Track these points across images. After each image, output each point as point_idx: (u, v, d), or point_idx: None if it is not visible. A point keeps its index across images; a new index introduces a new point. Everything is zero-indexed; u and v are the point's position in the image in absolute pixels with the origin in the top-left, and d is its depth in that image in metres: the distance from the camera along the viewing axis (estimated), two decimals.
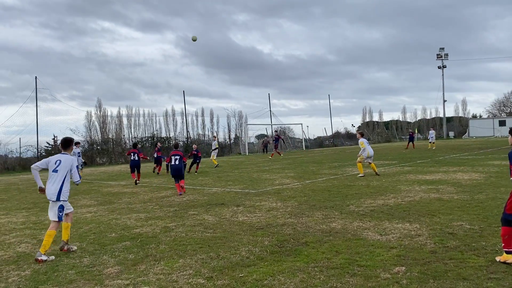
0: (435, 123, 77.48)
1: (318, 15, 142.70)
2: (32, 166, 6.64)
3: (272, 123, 51.17)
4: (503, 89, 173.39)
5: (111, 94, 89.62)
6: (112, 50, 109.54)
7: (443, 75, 68.26)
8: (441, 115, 73.78)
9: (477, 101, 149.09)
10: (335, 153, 35.62)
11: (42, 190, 6.61)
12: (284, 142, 34.66)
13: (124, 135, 47.82)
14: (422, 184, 12.14)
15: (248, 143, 47.01)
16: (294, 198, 10.80)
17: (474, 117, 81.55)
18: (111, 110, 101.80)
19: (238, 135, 54.48)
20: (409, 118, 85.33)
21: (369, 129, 76.32)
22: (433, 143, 34.91)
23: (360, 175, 15.10)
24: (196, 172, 20.74)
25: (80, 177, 7.09)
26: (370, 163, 15.54)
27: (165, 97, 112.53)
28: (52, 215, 6.47)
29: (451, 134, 70.71)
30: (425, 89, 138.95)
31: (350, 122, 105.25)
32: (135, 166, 17.01)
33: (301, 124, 53.41)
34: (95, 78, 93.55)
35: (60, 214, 6.47)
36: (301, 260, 5.44)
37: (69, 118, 61.28)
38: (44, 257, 6.07)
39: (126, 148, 42.58)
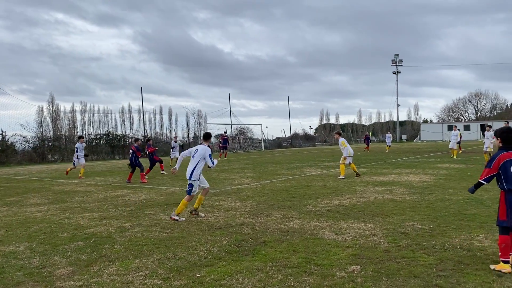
0: (389, 126, 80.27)
1: (279, 16, 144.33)
2: (181, 153, 8.86)
3: (232, 123, 51.14)
4: (453, 95, 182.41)
5: (64, 89, 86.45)
6: (66, 43, 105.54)
7: (397, 80, 70.84)
8: (395, 119, 76.53)
9: (428, 106, 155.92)
10: (293, 154, 36.09)
11: (174, 172, 8.91)
12: (228, 145, 34.65)
13: (77, 132, 46.24)
14: (376, 185, 12.52)
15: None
16: (253, 198, 10.84)
17: (425, 121, 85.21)
18: (64, 106, 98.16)
19: (197, 134, 54.03)
20: (364, 121, 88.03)
21: (326, 131, 77.97)
22: (389, 146, 36.08)
23: (340, 177, 14.74)
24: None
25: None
26: (350, 163, 15.29)
27: (121, 93, 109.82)
28: (200, 185, 8.41)
29: (404, 137, 73.48)
30: (380, 93, 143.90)
31: (308, 124, 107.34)
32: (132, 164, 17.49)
33: (261, 124, 53.76)
34: (48, 72, 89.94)
35: (188, 189, 8.32)
36: (259, 260, 5.46)
37: (19, 113, 58.61)
38: (176, 217, 8.10)
39: None
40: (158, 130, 54.04)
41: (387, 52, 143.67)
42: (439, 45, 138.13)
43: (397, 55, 69.46)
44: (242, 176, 16.66)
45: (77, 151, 18.70)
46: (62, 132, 44.75)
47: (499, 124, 62.31)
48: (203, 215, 8.48)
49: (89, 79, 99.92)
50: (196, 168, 8.29)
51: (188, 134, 53.29)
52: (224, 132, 35.03)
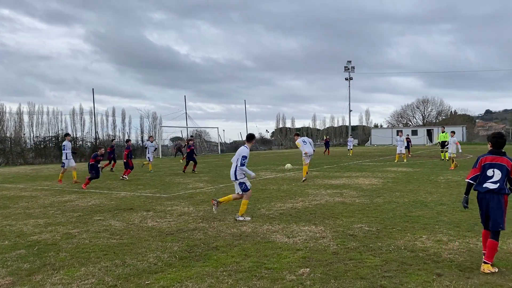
0: (342, 131, 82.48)
1: (236, 20, 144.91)
2: (232, 160, 8.78)
3: (188, 126, 50.62)
4: (402, 101, 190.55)
5: (10, 88, 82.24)
6: (13, 40, 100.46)
7: (349, 86, 72.90)
8: (347, 123, 78.64)
9: (379, 111, 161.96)
10: (250, 157, 36.18)
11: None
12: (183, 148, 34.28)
13: (24, 134, 44.12)
14: (328, 188, 12.82)
15: (162, 146, 45.93)
16: (207, 202, 10.77)
17: (376, 126, 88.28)
18: (10, 106, 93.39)
19: (152, 136, 52.94)
20: (319, 125, 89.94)
21: (282, 135, 78.90)
22: (351, 149, 36.90)
23: (303, 178, 15.04)
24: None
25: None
26: (306, 163, 15.26)
27: (72, 94, 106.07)
28: (238, 190, 8.56)
29: (355, 142, 75.68)
30: (334, 99, 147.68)
31: (264, 128, 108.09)
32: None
33: (217, 128, 53.65)
34: None
35: (243, 188, 8.46)
36: (210, 265, 5.43)
37: None
38: (241, 218, 8.28)
39: (26, 148, 39.30)
40: (110, 132, 52.52)
41: (341, 58, 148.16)
42: (390, 53, 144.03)
43: (349, 61, 71.50)
44: (197, 180, 16.52)
45: (64, 149, 17.06)
46: (7, 134, 42.50)
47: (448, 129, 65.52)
48: (215, 212, 8.66)
49: (38, 78, 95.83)
50: (236, 168, 8.48)
51: (142, 137, 52.12)
52: (191, 136, 34.48)
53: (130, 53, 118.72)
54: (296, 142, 15.69)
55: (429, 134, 65.74)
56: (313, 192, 12.07)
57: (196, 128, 54.06)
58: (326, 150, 37.90)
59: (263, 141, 69.81)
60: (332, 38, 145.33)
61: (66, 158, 17.08)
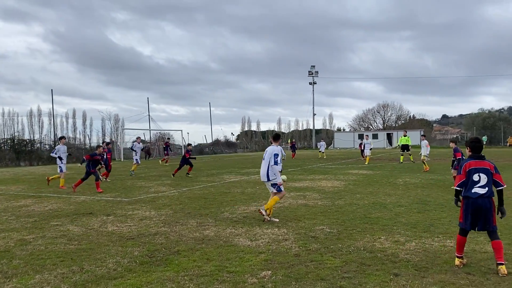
0: (306, 134, 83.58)
1: (201, 22, 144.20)
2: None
3: (151, 129, 49.80)
4: (363, 106, 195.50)
5: None
6: None
7: (313, 90, 74.01)
8: (311, 127, 79.77)
9: (342, 115, 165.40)
10: (214, 160, 36.03)
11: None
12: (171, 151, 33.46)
13: None
14: (292, 191, 12.95)
15: (124, 149, 44.91)
16: (169, 206, 10.63)
17: (339, 130, 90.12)
18: None
19: (113, 139, 51.76)
20: (284, 128, 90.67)
21: (247, 138, 79.07)
22: (323, 152, 37.26)
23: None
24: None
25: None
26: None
27: (30, 95, 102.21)
28: (271, 190, 8.56)
29: (319, 145, 76.96)
30: (298, 102, 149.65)
31: (230, 131, 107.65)
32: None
33: (181, 130, 52.95)
34: None
35: (277, 188, 8.40)
36: (171, 270, 5.36)
37: None
38: (264, 212, 8.26)
39: None
40: (70, 135, 50.99)
41: (305, 62, 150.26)
42: (352, 59, 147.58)
43: (313, 66, 72.64)
44: (160, 184, 16.27)
45: (57, 153, 15.73)
46: None
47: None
48: (276, 220, 8.48)
49: None
50: (268, 168, 8.39)
51: (103, 139, 50.81)
52: (168, 138, 33.72)
53: (92, 54, 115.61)
54: None
55: (389, 137, 67.69)
56: None
57: (159, 131, 53.26)
58: (293, 153, 38.52)
59: (228, 144, 69.65)
60: (297, 42, 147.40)
61: (62, 163, 15.91)
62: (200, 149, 58.25)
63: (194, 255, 6.02)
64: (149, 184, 16.17)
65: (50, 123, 46.28)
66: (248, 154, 52.32)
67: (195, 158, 20.71)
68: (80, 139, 51.10)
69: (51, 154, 16.41)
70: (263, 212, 8.28)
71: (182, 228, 7.94)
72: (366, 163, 25.61)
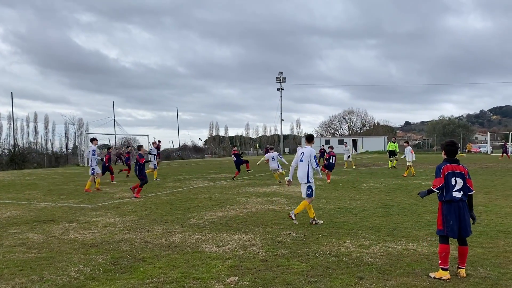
0: (274, 139, 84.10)
1: (169, 25, 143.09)
2: (292, 163, 8.98)
3: (116, 133, 48.80)
4: (330, 112, 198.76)
5: None
6: None
7: (281, 96, 74.58)
8: (279, 132, 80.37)
9: (309, 121, 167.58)
10: (181, 165, 35.65)
11: (290, 183, 9.04)
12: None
13: None
14: (259, 196, 12.99)
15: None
16: (134, 212, 10.42)
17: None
18: None
19: (77, 144, 50.38)
20: (252, 134, 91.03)
21: (215, 143, 78.77)
22: (351, 161, 37.28)
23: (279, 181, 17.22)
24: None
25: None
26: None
27: None
28: (304, 193, 8.57)
29: (287, 150, 77.46)
30: (267, 108, 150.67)
31: (197, 136, 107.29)
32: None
33: (148, 135, 52.22)
34: None
35: (309, 192, 8.50)
36: (136, 277, 5.26)
37: None
38: (294, 217, 8.45)
39: None
40: (32, 139, 49.26)
41: (274, 68, 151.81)
42: (320, 65, 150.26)
43: (281, 72, 73.21)
44: (125, 190, 15.93)
45: (94, 155, 16.09)
46: None
47: (367, 139, 69.35)
48: (321, 222, 8.62)
49: None
50: (309, 170, 8.46)
51: (67, 144, 49.37)
52: (159, 141, 32.89)
53: (55, 56, 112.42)
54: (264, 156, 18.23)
55: (354, 143, 69.13)
56: (244, 200, 12.16)
57: (125, 136, 52.25)
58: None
59: (196, 149, 69.13)
60: (266, 48, 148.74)
61: (96, 164, 16.08)
62: (167, 154, 57.51)
63: (159, 262, 5.92)
64: (113, 190, 15.81)
65: (9, 127, 44.61)
66: (215, 160, 52.07)
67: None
68: (42, 144, 49.43)
69: (90, 156, 16.38)
70: (293, 217, 8.46)
71: (147, 234, 7.80)
72: (353, 167, 27.37)
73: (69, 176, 24.27)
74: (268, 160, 17.84)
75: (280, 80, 70.80)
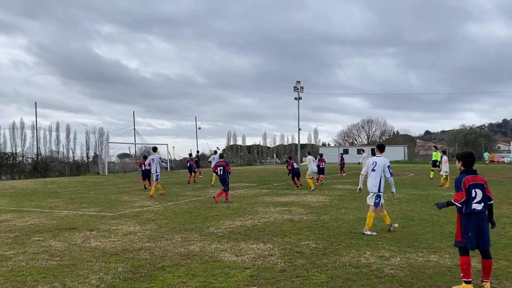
0: (292, 149, 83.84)
1: (188, 36, 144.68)
2: (362, 172, 8.91)
3: (136, 143, 49.44)
4: (348, 121, 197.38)
5: None
6: None
7: (298, 106, 74.52)
8: (297, 141, 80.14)
9: (327, 130, 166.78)
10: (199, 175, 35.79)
11: (360, 190, 9.07)
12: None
13: None
14: (277, 206, 12.95)
15: (109, 163, 44.43)
16: (154, 221, 10.52)
17: (324, 145, 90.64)
18: None
19: (97, 153, 51.20)
20: (269, 143, 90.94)
21: (233, 152, 78.97)
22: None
23: (311, 188, 18.02)
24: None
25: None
26: (312, 177, 18.47)
27: (13, 107, 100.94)
28: (370, 201, 8.55)
29: (305, 159, 77.27)
30: (284, 117, 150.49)
31: (215, 145, 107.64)
32: (146, 175, 20.27)
33: (167, 144, 52.69)
34: None
35: (377, 201, 8.47)
36: (156, 286, 5.30)
37: None
38: (368, 232, 8.33)
39: None
40: (54, 148, 50.25)
41: (292, 77, 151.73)
42: (338, 74, 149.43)
43: (298, 82, 73.24)
44: (144, 198, 16.10)
45: (153, 162, 17.13)
46: None
47: (388, 149, 68.52)
48: (396, 225, 8.79)
49: None
50: (381, 180, 8.42)
51: (88, 153, 50.21)
52: (197, 151, 34.00)
53: (77, 66, 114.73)
54: (305, 159, 19.03)
55: (373, 153, 68.44)
56: (262, 210, 12.14)
57: (145, 145, 52.88)
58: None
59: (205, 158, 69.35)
60: (283, 57, 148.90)
61: (159, 171, 17.21)
62: (186, 163, 57.91)
63: (179, 271, 5.96)
64: (133, 199, 15.99)
65: (33, 136, 45.63)
66: (233, 168, 52.17)
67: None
68: (63, 153, 50.40)
69: (155, 163, 17.20)
70: (368, 233, 8.36)
71: (167, 243, 7.86)
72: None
73: (90, 185, 24.66)
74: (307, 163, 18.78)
75: (298, 89, 70.80)
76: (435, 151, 25.65)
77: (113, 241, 8.15)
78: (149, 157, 17.83)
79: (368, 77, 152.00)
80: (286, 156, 44.03)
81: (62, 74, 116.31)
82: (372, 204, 8.53)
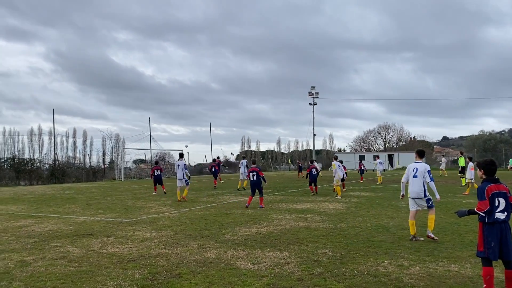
0: (306, 154, 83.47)
1: (203, 42, 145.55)
2: (402, 180, 9.08)
3: (152, 148, 49.84)
4: (364, 126, 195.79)
5: None
6: None
7: (313, 111, 74.26)
8: (312, 147, 79.82)
9: (342, 136, 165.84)
10: (212, 180, 35.85)
11: (403, 196, 9.23)
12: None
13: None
14: (293, 213, 12.87)
15: (125, 168, 44.87)
16: (170, 227, 10.55)
17: (339, 151, 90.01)
18: None
19: (113, 159, 51.76)
20: (284, 149, 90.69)
21: (247, 158, 79.04)
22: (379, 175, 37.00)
23: (337, 196, 17.84)
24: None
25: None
26: (337, 185, 18.42)
27: (31, 114, 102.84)
28: (425, 206, 8.64)
29: (320, 165, 76.79)
30: (298, 123, 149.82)
31: (229, 150, 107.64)
32: (158, 180, 21.62)
33: (182, 150, 53.01)
34: None
35: (430, 203, 8.60)
36: None
37: None
38: (431, 234, 8.47)
39: None
40: (70, 154, 50.96)
41: (306, 83, 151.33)
42: (354, 79, 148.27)
43: (313, 87, 73.00)
44: (160, 204, 16.19)
45: (185, 168, 18.11)
46: None
47: (404, 155, 67.79)
48: (436, 238, 8.60)
49: None
50: (424, 185, 8.58)
51: (104, 159, 50.77)
52: (218, 157, 34.56)
53: (93, 73, 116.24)
54: (332, 163, 19.38)
55: (390, 159, 67.67)
56: (277, 217, 12.08)
57: (160, 151, 53.29)
58: (299, 172, 39.62)
59: (228, 164, 69.59)
60: (298, 63, 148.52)
61: (184, 177, 17.88)
62: (200, 169, 58.17)
63: (195, 278, 5.95)
64: (149, 205, 16.09)
65: (50, 142, 46.39)
66: None
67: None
68: (80, 158, 51.05)
69: (182, 170, 17.95)
70: (432, 235, 8.50)
71: (183, 250, 7.86)
72: (379, 182, 26.59)
73: (106, 191, 24.92)
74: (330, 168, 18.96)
75: (313, 94, 70.61)
76: (460, 157, 24.97)
77: (130, 247, 8.19)
78: (176, 163, 18.76)
79: (385, 82, 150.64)
80: (298, 161, 43.91)
81: (79, 81, 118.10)
82: (429, 207, 8.66)
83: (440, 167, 38.15)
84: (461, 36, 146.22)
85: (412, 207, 8.73)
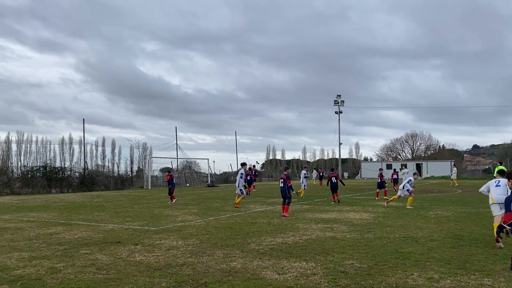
0: (332, 163, 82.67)
1: (229, 51, 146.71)
2: (480, 189, 10.02)
3: (178, 157, 50.47)
4: (391, 135, 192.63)
5: None
6: (2, 68, 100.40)
7: (339, 120, 73.69)
8: (337, 156, 79.03)
9: (369, 145, 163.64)
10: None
11: None
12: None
13: (12, 163, 43.57)
14: (319, 223, 12.74)
15: (152, 177, 45.53)
16: (196, 236, 10.61)
17: (366, 159, 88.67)
18: None
19: (141, 167, 52.62)
20: (309, 157, 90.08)
21: (272, 166, 78.91)
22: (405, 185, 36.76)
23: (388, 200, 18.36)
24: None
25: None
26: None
27: (62, 123, 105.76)
28: (497, 211, 9.09)
29: (346, 174, 75.85)
30: (324, 131, 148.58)
31: (255, 159, 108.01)
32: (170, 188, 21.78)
33: (208, 159, 53.52)
34: None
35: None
36: None
37: None
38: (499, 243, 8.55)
39: (13, 177, 38.90)
40: (99, 162, 52.05)
41: (332, 91, 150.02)
42: (381, 87, 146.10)
43: (339, 96, 72.52)
44: (186, 213, 16.33)
45: (242, 177, 18.78)
46: None
47: (432, 164, 66.26)
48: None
49: (27, 107, 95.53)
50: (508, 191, 8.86)
51: (132, 167, 51.68)
52: (254, 166, 35.30)
53: (121, 83, 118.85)
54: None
55: (418, 168, 66.20)
56: (303, 227, 11.98)
57: (186, 159, 53.88)
58: (320, 181, 39.26)
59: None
60: (324, 71, 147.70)
61: (239, 185, 18.49)
62: (226, 177, 58.43)
63: None
64: (175, 213, 16.24)
65: (80, 151, 47.57)
66: (273, 183, 52.04)
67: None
68: (108, 167, 52.09)
69: (240, 180, 18.59)
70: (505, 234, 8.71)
71: (209, 259, 7.89)
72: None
73: (134, 199, 25.33)
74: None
75: (338, 103, 70.12)
76: (498, 166, 24.37)
77: (157, 255, 8.27)
78: (239, 172, 19.16)
79: (413, 89, 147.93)
80: (320, 170, 43.56)
81: (108, 91, 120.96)
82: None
83: (451, 177, 37.26)
84: (492, 42, 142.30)
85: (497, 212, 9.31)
